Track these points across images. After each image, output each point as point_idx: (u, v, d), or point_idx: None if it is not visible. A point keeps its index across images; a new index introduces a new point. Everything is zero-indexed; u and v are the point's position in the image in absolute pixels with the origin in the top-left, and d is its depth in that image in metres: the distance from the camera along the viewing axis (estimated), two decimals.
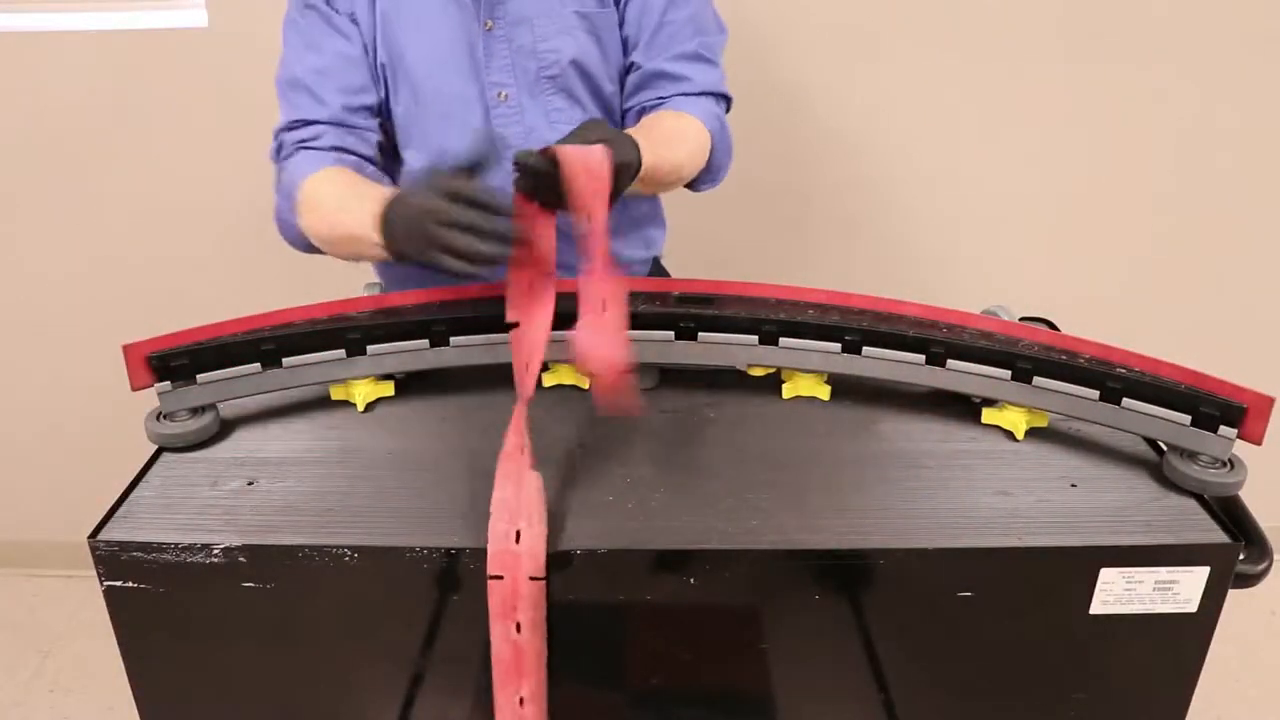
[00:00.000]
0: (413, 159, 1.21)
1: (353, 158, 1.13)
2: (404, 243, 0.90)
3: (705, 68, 1.20)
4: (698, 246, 1.50)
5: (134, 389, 0.93)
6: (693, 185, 1.21)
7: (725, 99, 1.23)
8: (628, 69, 1.23)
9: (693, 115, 1.16)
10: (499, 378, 1.03)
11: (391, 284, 1.32)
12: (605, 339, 0.88)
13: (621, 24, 1.21)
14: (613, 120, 1.26)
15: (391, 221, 0.91)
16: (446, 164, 0.91)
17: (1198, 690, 0.85)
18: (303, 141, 1.12)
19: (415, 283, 1.06)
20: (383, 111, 1.21)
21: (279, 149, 1.15)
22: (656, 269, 1.41)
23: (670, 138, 1.11)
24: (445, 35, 1.17)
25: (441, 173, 0.89)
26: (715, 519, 0.83)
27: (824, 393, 1.01)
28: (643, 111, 1.21)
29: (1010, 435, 0.95)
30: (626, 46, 1.22)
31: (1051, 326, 1.06)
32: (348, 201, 1.00)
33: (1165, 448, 0.90)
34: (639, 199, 1.32)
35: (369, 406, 1.00)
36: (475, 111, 1.19)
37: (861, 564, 0.80)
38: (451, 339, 0.98)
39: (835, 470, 0.88)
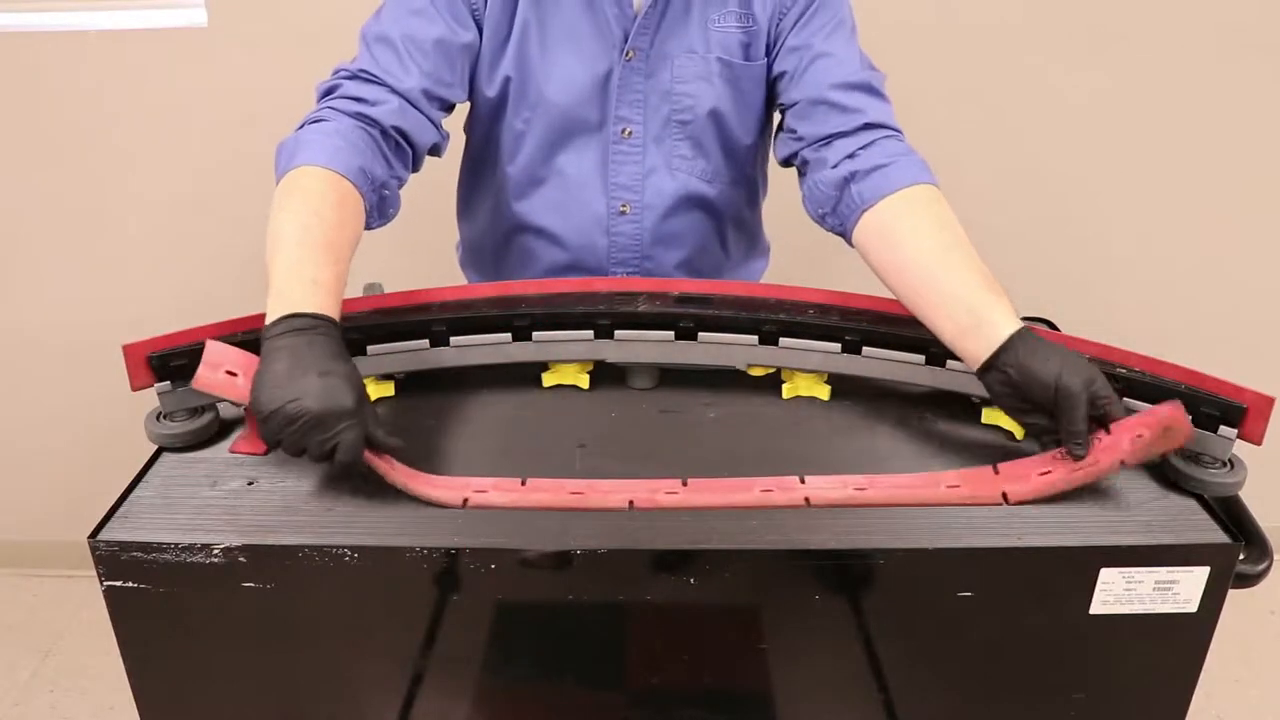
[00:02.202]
0: (514, 177, 1.19)
1: (404, 147, 1.05)
2: (260, 380, 0.80)
3: (876, 102, 1.09)
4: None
5: (134, 389, 0.93)
6: None
7: (900, 134, 1.10)
8: (784, 109, 1.13)
9: (919, 186, 1.02)
10: (499, 378, 1.03)
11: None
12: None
13: (771, 68, 1.14)
14: (741, 171, 1.21)
15: (272, 352, 0.80)
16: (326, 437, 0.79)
17: (1198, 690, 0.85)
18: (362, 101, 1.02)
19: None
20: (477, 122, 1.18)
21: (330, 90, 1.05)
22: None
23: (957, 240, 0.97)
24: (581, 58, 1.13)
25: (318, 436, 0.79)
26: (715, 519, 0.83)
27: (824, 393, 1.01)
28: (828, 143, 1.07)
29: (1010, 435, 0.95)
30: (778, 87, 1.14)
31: (1051, 326, 1.06)
32: (298, 252, 0.88)
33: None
34: (726, 240, 1.28)
35: None
36: (593, 143, 1.17)
37: (861, 564, 0.80)
38: (451, 339, 0.98)
39: (835, 470, 0.88)
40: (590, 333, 0.99)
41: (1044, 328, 1.00)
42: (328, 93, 1.05)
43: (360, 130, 1.01)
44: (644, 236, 1.21)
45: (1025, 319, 1.06)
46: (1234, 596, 0.81)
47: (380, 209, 1.03)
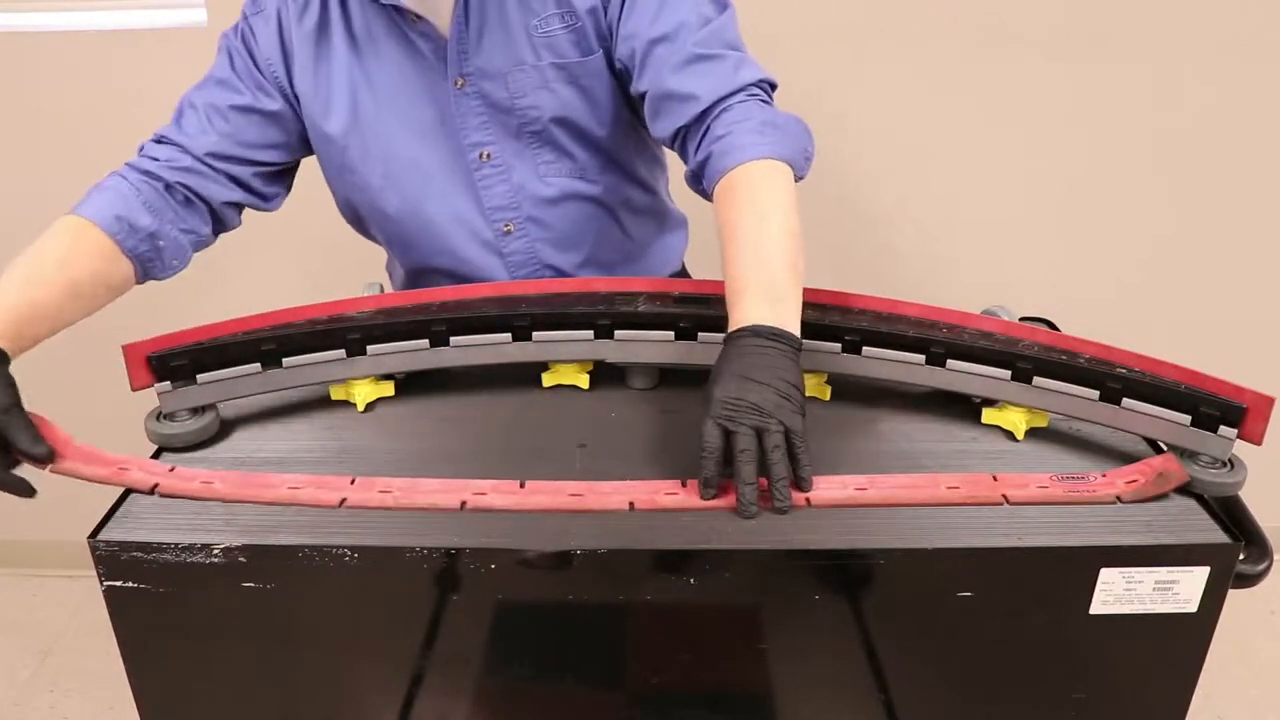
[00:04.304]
0: (392, 225, 1.19)
1: (195, 203, 1.11)
2: None
3: (708, 68, 1.03)
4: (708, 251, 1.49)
5: (134, 389, 0.93)
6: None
7: (758, 86, 1.05)
8: (641, 98, 1.09)
9: (746, 164, 0.98)
10: (499, 378, 1.03)
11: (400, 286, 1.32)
12: None
13: (613, 61, 1.11)
14: (611, 159, 1.18)
15: None
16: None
17: (1198, 690, 0.85)
18: (154, 160, 1.09)
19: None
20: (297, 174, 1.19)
21: (141, 148, 1.12)
22: (681, 274, 1.36)
23: (759, 235, 0.93)
24: (416, 102, 1.12)
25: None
26: (715, 519, 0.82)
27: (824, 393, 1.01)
28: (681, 138, 1.06)
29: (1010, 435, 0.95)
30: (628, 78, 1.10)
31: (1051, 326, 1.06)
32: (26, 282, 0.97)
33: (1165, 448, 0.90)
34: (625, 227, 1.26)
35: (369, 406, 1.00)
36: (457, 176, 1.15)
37: (861, 564, 0.80)
38: (451, 339, 0.99)
39: (835, 470, 0.88)
40: (590, 333, 0.99)
41: (1044, 329, 1.00)
42: (139, 149, 1.13)
43: (145, 184, 1.08)
44: (536, 248, 1.20)
45: (1025, 319, 1.07)
46: (1234, 596, 0.81)
47: (159, 256, 1.08)
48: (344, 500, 0.84)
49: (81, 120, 1.82)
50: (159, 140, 1.12)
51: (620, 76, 1.12)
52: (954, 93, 1.79)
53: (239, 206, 1.16)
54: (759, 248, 0.92)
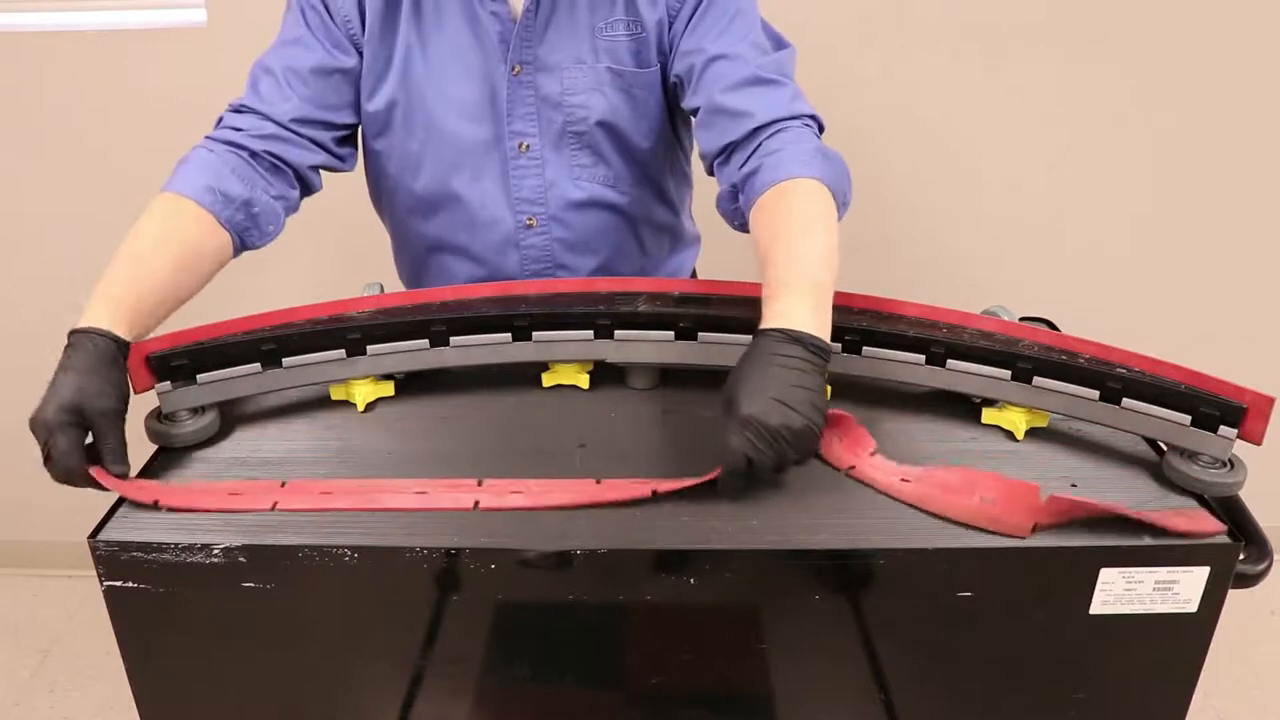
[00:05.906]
0: (415, 199, 1.19)
1: (281, 168, 1.09)
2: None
3: (767, 91, 1.05)
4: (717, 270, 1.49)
5: (136, 392, 0.93)
6: None
7: (813, 119, 1.07)
8: (694, 112, 1.10)
9: (797, 180, 0.98)
10: (499, 378, 1.03)
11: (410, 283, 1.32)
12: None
13: (668, 75, 1.13)
14: (645, 173, 1.20)
15: (64, 364, 0.87)
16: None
17: (1198, 690, 0.85)
18: (237, 130, 1.08)
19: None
20: (360, 137, 1.18)
21: (220, 121, 1.11)
22: None
23: (805, 240, 0.93)
24: (469, 77, 1.12)
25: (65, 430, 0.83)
26: (715, 519, 0.83)
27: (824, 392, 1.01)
28: (728, 154, 1.07)
29: (1010, 435, 0.95)
30: (682, 91, 1.12)
31: (1051, 326, 1.06)
32: (111, 266, 0.94)
33: (1165, 448, 0.90)
34: (643, 241, 1.26)
35: (369, 406, 1.00)
36: (492, 160, 1.16)
37: (861, 564, 0.80)
38: (451, 339, 0.99)
39: (835, 470, 0.88)
40: (590, 333, 0.99)
41: (1044, 329, 1.00)
42: (217, 122, 1.11)
43: (229, 153, 1.06)
44: (554, 247, 1.20)
45: (1025, 319, 1.07)
46: (1234, 596, 0.81)
47: (255, 222, 1.06)
48: (477, 503, 0.84)
49: (82, 120, 1.82)
50: (238, 110, 1.10)
51: (672, 93, 1.14)
52: (954, 93, 1.79)
53: (320, 169, 1.15)
54: (806, 251, 0.91)
